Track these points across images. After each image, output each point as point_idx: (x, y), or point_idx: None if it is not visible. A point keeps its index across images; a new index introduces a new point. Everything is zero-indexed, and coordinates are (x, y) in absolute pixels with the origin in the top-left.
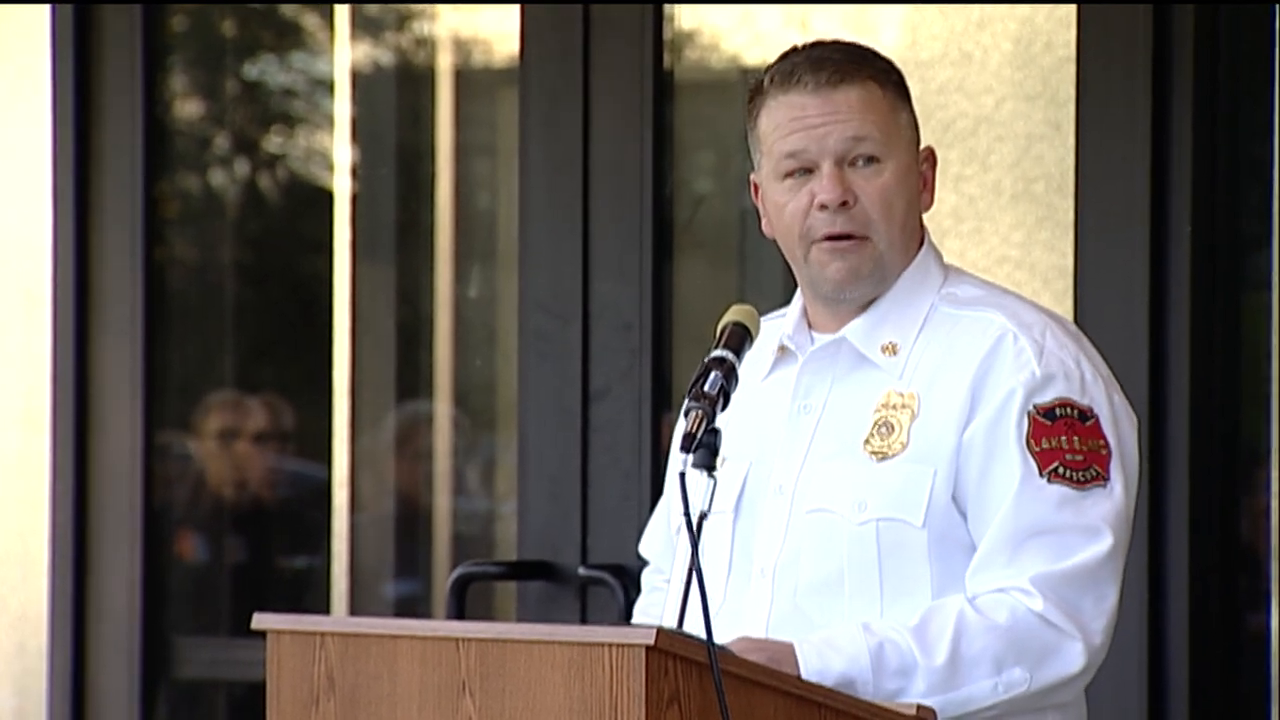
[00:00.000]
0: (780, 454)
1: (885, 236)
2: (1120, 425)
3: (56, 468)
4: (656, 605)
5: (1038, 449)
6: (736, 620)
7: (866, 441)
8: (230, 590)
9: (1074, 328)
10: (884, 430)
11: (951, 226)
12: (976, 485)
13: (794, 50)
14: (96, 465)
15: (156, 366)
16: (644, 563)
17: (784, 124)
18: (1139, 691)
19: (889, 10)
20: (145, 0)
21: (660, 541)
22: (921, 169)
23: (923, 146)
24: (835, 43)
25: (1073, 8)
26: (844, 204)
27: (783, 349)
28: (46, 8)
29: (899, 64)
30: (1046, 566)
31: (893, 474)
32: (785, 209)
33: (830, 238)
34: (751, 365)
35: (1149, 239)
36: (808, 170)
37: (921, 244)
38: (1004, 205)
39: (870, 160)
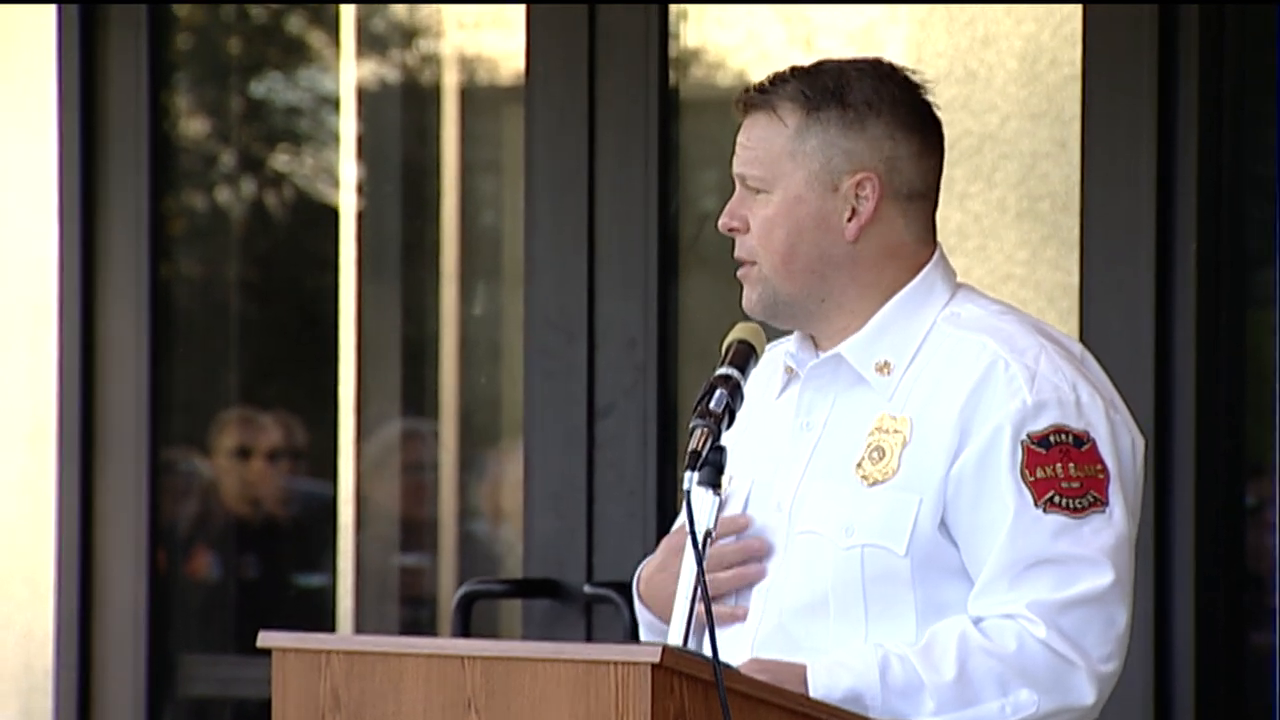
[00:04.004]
0: (781, 472)
1: (768, 263)
2: (1120, 445)
3: (62, 484)
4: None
5: (1032, 478)
6: (736, 638)
7: (859, 465)
8: (236, 608)
9: (1076, 348)
10: (875, 455)
11: (957, 244)
12: (969, 517)
13: None
14: (102, 482)
15: (162, 383)
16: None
17: None
18: (1144, 708)
19: (894, 28)
20: (152, 0)
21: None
22: (851, 197)
23: (862, 174)
24: (800, 65)
25: (1078, 26)
26: (733, 229)
27: (789, 368)
28: (52, 25)
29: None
30: (1048, 595)
31: (880, 500)
32: None
33: (735, 258)
34: (764, 385)
35: (1154, 256)
36: None
37: (928, 261)
38: (1009, 223)
39: (759, 190)
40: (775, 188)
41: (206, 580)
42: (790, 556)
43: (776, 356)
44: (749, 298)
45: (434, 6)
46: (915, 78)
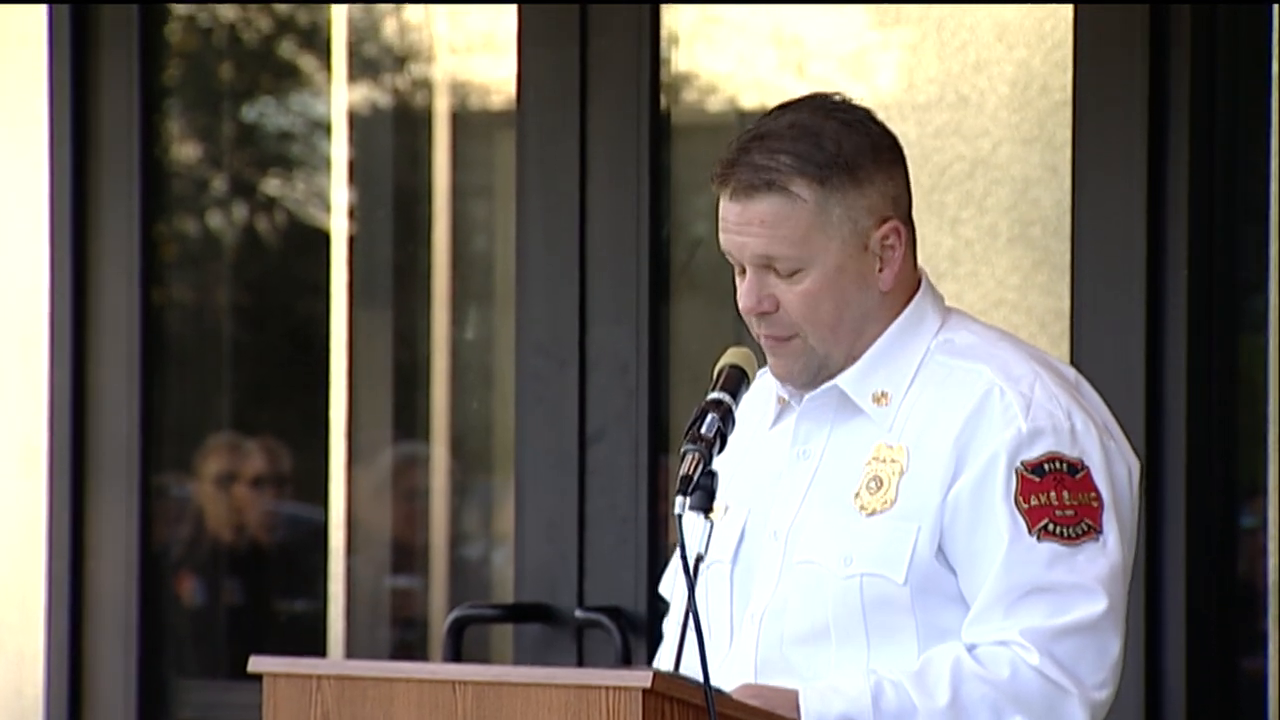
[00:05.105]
0: (778, 500)
1: (814, 334)
2: (1114, 473)
3: (54, 509)
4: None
5: (1026, 506)
6: (734, 666)
7: (856, 495)
8: (228, 633)
9: (1071, 374)
10: (873, 485)
11: (948, 269)
12: (965, 544)
13: (742, 134)
14: (94, 507)
15: (154, 408)
16: (663, 605)
17: (720, 221)
18: None
19: (886, 53)
20: (143, 1)
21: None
22: (879, 249)
23: (888, 224)
24: (773, 132)
25: (1069, 51)
26: (765, 312)
27: (782, 399)
28: (43, 49)
29: (894, 108)
30: (1042, 622)
31: (878, 530)
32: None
33: (764, 336)
34: (757, 414)
35: (1146, 282)
36: (743, 268)
37: (917, 291)
38: (1001, 248)
39: (794, 270)
40: (812, 264)
41: (190, 605)
42: (787, 585)
43: (768, 385)
44: (789, 369)
45: (425, 31)
46: (867, 106)
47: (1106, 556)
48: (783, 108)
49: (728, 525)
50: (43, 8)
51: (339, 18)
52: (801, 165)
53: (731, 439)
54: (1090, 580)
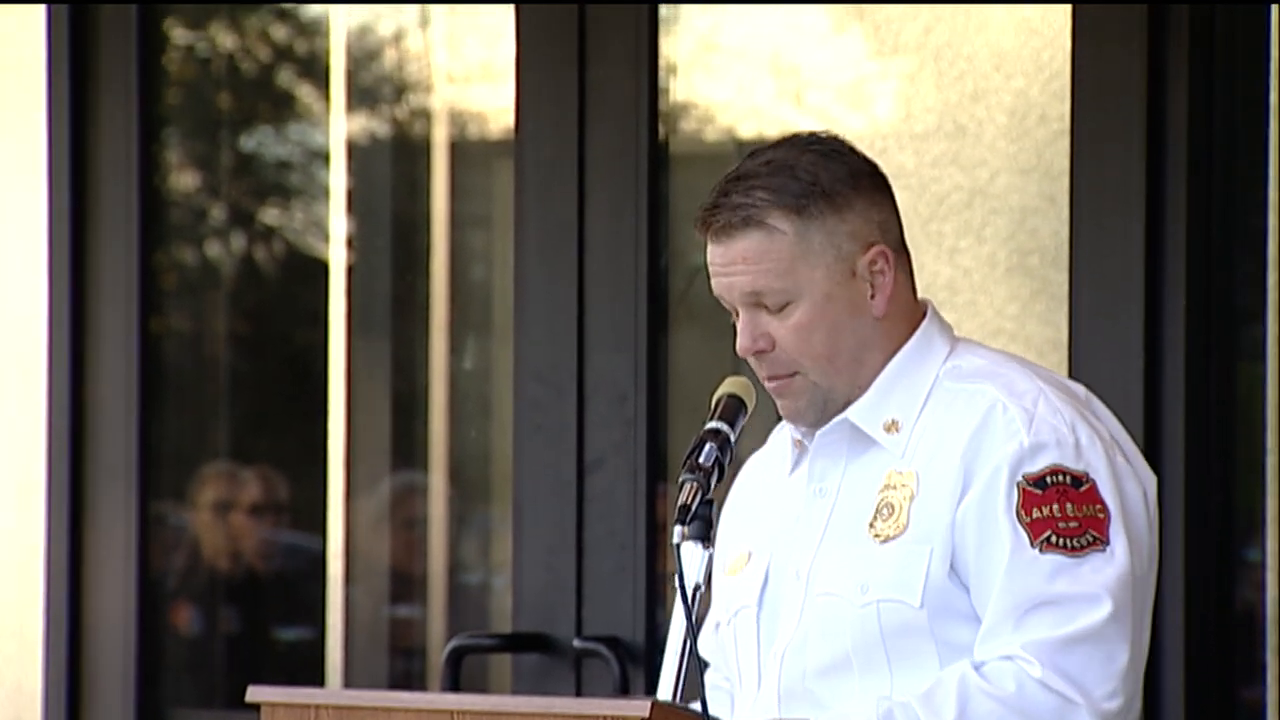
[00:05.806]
0: (798, 540)
1: (813, 368)
2: (1123, 486)
3: (51, 538)
4: (721, 706)
5: (1028, 519)
6: (758, 702)
7: (871, 524)
8: (225, 662)
9: (1081, 392)
10: (885, 512)
11: (947, 299)
12: (974, 560)
13: (721, 178)
14: (91, 537)
15: (152, 438)
16: (702, 663)
17: (709, 266)
18: None
19: (884, 83)
20: (144, 0)
21: (713, 641)
22: (868, 275)
23: (874, 249)
24: (749, 172)
25: (1066, 81)
26: (761, 351)
27: (798, 442)
28: (42, 79)
29: (892, 138)
30: (1047, 634)
31: (893, 556)
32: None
33: (766, 378)
34: (777, 465)
35: (1144, 312)
36: (737, 310)
37: (921, 320)
38: (999, 278)
39: (783, 303)
40: (800, 295)
41: (187, 634)
42: (807, 619)
43: (784, 437)
44: (796, 408)
45: (424, 61)
46: (849, 139)
47: (1114, 565)
48: (760, 150)
49: (751, 572)
50: (41, 33)
51: (337, 47)
52: (778, 198)
53: (750, 490)
54: (1095, 588)
